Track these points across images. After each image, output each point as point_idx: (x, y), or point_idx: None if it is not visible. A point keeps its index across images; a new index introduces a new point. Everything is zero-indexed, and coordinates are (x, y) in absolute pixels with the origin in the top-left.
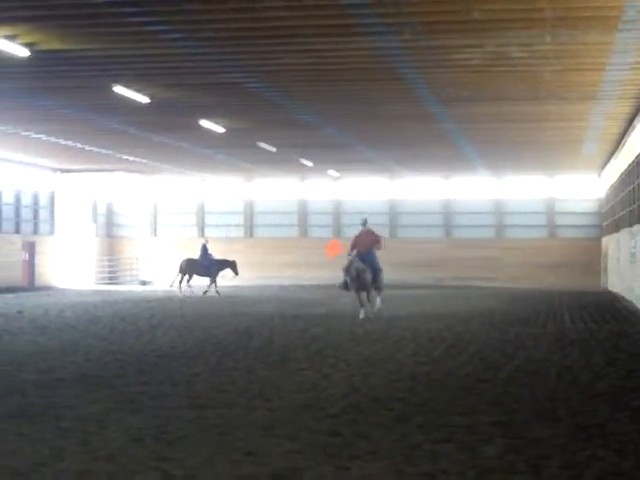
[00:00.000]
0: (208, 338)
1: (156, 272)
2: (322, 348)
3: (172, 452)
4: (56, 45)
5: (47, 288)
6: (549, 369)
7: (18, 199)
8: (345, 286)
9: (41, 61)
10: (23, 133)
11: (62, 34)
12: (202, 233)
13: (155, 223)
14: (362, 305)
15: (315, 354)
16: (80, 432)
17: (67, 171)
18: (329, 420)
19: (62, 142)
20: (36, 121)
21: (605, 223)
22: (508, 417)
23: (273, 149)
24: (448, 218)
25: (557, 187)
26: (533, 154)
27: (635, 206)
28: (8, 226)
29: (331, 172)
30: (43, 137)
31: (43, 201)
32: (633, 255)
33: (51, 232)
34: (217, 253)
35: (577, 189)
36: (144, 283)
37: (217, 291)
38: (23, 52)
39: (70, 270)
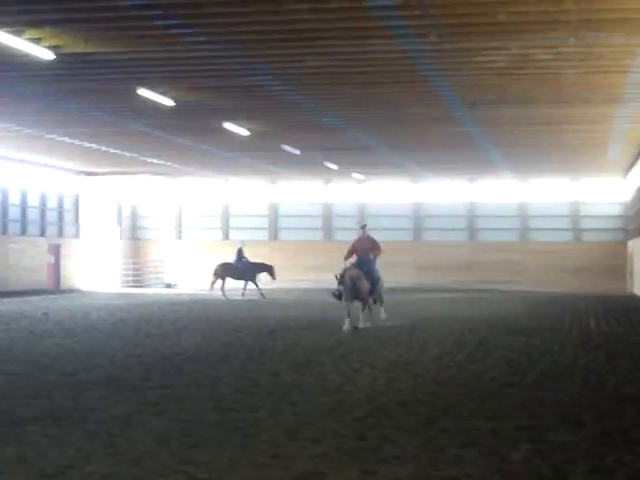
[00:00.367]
0: (233, 341)
1: (181, 275)
2: (347, 352)
3: (197, 455)
4: (81, 48)
5: (72, 291)
6: (575, 373)
7: (43, 202)
8: (338, 296)
9: (66, 64)
10: (47, 136)
11: (87, 37)
12: (226, 236)
13: (180, 226)
14: (348, 315)
15: (340, 357)
16: (106, 434)
17: (91, 174)
18: (354, 424)
19: (86, 145)
20: (61, 124)
21: (631, 226)
22: (533, 422)
23: (297, 152)
24: (472, 221)
25: (582, 190)
26: (557, 157)
27: None
28: (33, 229)
29: (356, 175)
30: (67, 140)
31: (68, 204)
32: None
33: (76, 235)
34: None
35: (602, 192)
36: (169, 286)
37: (262, 294)
38: (48, 55)
39: (95, 273)
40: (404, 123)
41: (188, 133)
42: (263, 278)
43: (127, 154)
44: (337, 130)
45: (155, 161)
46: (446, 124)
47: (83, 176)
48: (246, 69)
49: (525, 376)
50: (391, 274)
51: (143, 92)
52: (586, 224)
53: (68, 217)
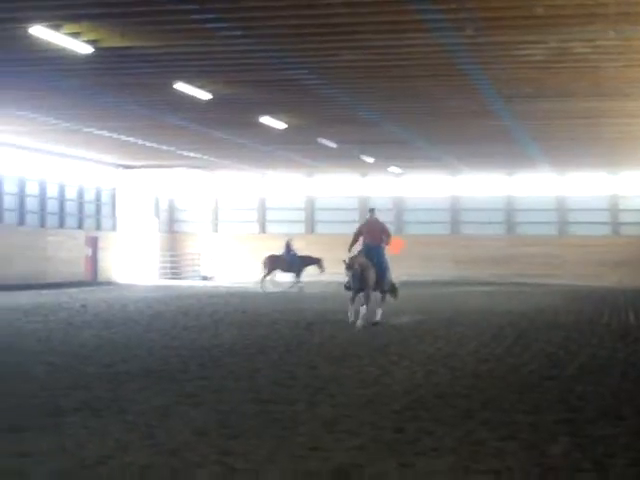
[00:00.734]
0: (270, 334)
1: (217, 268)
2: (384, 344)
3: (235, 446)
4: (118, 42)
5: (109, 283)
6: (614, 367)
7: (81, 195)
8: (349, 287)
9: (104, 58)
10: (85, 130)
11: (124, 31)
12: (263, 229)
13: (216, 219)
14: (352, 302)
15: (377, 350)
16: (144, 425)
17: (129, 167)
18: (392, 416)
19: (124, 138)
20: (98, 118)
21: None
22: (573, 415)
23: (334, 145)
24: (510, 215)
25: (620, 183)
26: (596, 151)
27: None
28: (71, 221)
29: (392, 169)
30: (105, 134)
31: (105, 197)
32: None
33: (113, 228)
34: (277, 249)
35: None
36: (205, 278)
37: (300, 287)
38: (86, 49)
39: (132, 265)
40: (441, 116)
41: (225, 127)
42: (312, 270)
43: (164, 147)
44: (373, 123)
45: (192, 154)
46: (483, 118)
47: (121, 169)
48: (282, 63)
49: (564, 369)
50: (428, 267)
51: (180, 86)
52: (625, 218)
53: (105, 210)
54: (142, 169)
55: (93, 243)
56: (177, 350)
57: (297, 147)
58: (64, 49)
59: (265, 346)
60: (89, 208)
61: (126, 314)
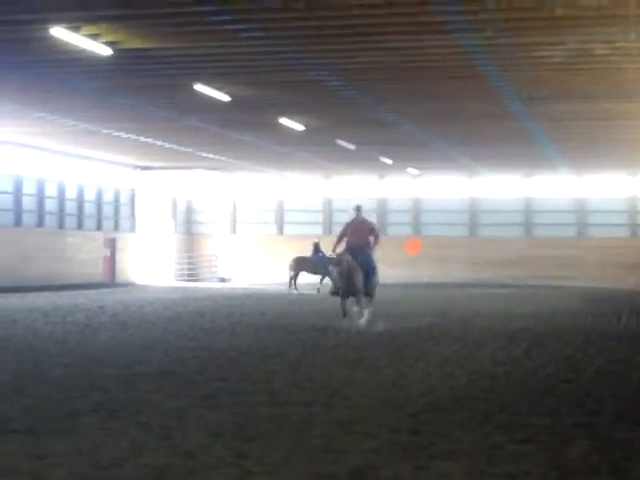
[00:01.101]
0: (287, 335)
1: (235, 269)
2: (401, 347)
3: (251, 449)
4: (138, 44)
5: (127, 284)
6: (632, 370)
7: (99, 196)
8: (336, 291)
9: (123, 60)
10: (104, 131)
11: (144, 33)
12: (281, 231)
13: (234, 220)
14: (345, 315)
15: (393, 353)
16: (160, 427)
17: (147, 168)
18: (408, 419)
19: (142, 140)
20: (117, 119)
21: None
22: (591, 418)
23: (352, 147)
24: (528, 217)
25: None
26: (615, 152)
27: None
28: (90, 223)
29: (410, 170)
30: (123, 135)
31: (124, 198)
32: None
33: (131, 229)
34: (295, 251)
35: None
36: (223, 280)
37: (318, 288)
38: (106, 51)
39: (150, 266)
40: (459, 118)
41: (243, 128)
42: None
43: (182, 149)
44: (392, 125)
45: (210, 156)
46: (502, 119)
47: (139, 170)
48: (301, 64)
49: (582, 372)
50: (445, 269)
51: (199, 87)
52: None
53: (124, 211)
54: (160, 170)
55: (111, 244)
56: (194, 352)
57: (315, 149)
58: (84, 51)
59: (282, 348)
60: (107, 209)
61: (143, 316)
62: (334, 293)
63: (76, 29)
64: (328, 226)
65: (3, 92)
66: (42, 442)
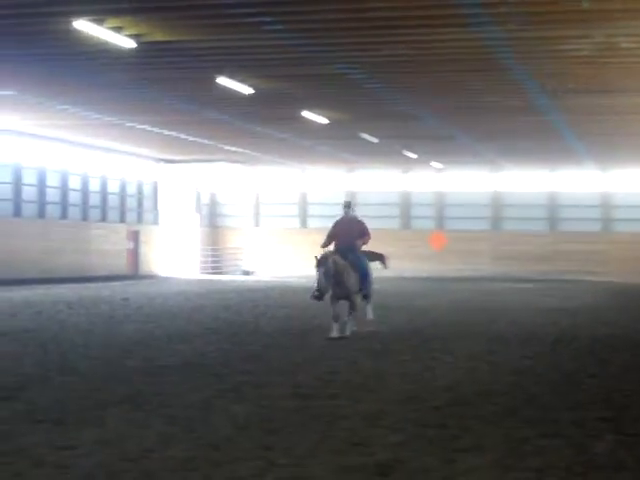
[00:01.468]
0: (312, 328)
1: (259, 262)
2: (426, 340)
3: (277, 441)
4: (160, 37)
5: (151, 277)
6: None
7: (123, 189)
8: (318, 294)
9: (146, 53)
10: (128, 124)
11: (167, 26)
12: (304, 224)
13: (258, 213)
14: (336, 320)
15: (419, 346)
16: (186, 419)
17: (170, 161)
18: (434, 412)
19: (165, 133)
20: (140, 112)
21: None
22: (617, 413)
23: (375, 140)
24: (553, 211)
25: None
26: None
27: None
28: (114, 215)
29: (434, 164)
30: (147, 127)
31: (147, 191)
32: None
33: (155, 221)
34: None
35: None
36: (247, 273)
37: None
38: (129, 44)
39: (173, 259)
40: (484, 112)
41: (266, 121)
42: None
43: (205, 142)
44: (415, 119)
45: (233, 149)
46: (527, 113)
47: (162, 163)
48: (324, 57)
49: (608, 367)
50: (469, 263)
51: (222, 80)
52: None
53: (147, 204)
54: (183, 163)
55: (135, 237)
56: (218, 344)
57: (338, 142)
58: (107, 43)
59: (306, 341)
60: (131, 202)
61: (167, 308)
62: (316, 297)
63: (99, 22)
64: None
65: (26, 85)
66: (69, 433)
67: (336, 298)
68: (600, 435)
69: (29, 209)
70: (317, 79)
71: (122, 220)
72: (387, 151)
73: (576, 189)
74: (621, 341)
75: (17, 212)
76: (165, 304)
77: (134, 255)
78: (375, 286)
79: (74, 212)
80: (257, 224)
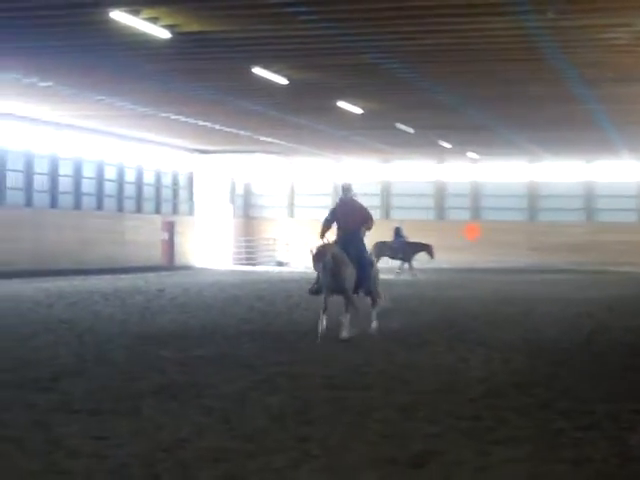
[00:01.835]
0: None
1: (293, 253)
2: (460, 332)
3: (311, 432)
4: (196, 27)
5: (186, 267)
6: None
7: (158, 179)
8: (316, 290)
9: (181, 43)
10: (162, 114)
11: (202, 16)
12: None
13: (292, 204)
14: (324, 311)
15: (453, 337)
16: (220, 410)
17: (205, 152)
18: (469, 404)
19: (200, 123)
20: (175, 103)
21: None
22: None
23: (411, 130)
24: (589, 201)
25: None
26: None
27: None
28: (149, 206)
29: (470, 154)
30: (182, 118)
31: (182, 182)
32: None
33: (190, 212)
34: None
35: None
36: (281, 264)
37: (414, 274)
38: (164, 34)
39: (208, 250)
40: (521, 101)
41: (301, 112)
42: (422, 257)
43: (241, 132)
44: (451, 108)
45: (268, 139)
46: (565, 102)
47: (197, 154)
48: (360, 47)
49: None
50: (505, 254)
51: (257, 71)
52: None
53: (182, 195)
54: (218, 154)
55: (170, 227)
56: (252, 335)
57: (374, 132)
58: (143, 34)
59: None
60: (166, 193)
61: (201, 298)
62: (314, 292)
63: (135, 12)
64: (386, 210)
65: (63, 76)
66: (104, 423)
67: (330, 291)
68: (635, 427)
69: (65, 200)
70: (353, 69)
71: (157, 211)
72: (422, 141)
73: (613, 179)
74: None
75: (53, 203)
76: (200, 295)
77: (169, 246)
78: (408, 277)
79: (109, 203)
80: (291, 215)
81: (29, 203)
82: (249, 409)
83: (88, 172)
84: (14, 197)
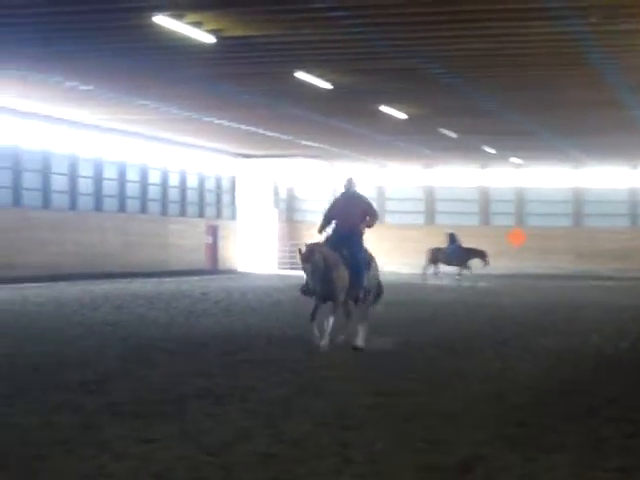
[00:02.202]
0: (390, 324)
1: None
2: (507, 338)
3: (355, 438)
4: (240, 32)
5: (230, 272)
6: None
7: (201, 183)
8: (307, 291)
9: (226, 48)
10: (205, 119)
11: (246, 21)
12: (381, 219)
13: None
14: (313, 318)
15: (500, 344)
16: (265, 414)
17: (248, 156)
18: (515, 411)
19: (243, 128)
20: (218, 107)
21: None
22: None
23: (454, 135)
24: (635, 207)
25: None
26: None
27: None
28: (193, 210)
29: (514, 160)
30: (225, 123)
31: (225, 186)
32: None
33: (233, 216)
34: (394, 239)
35: None
36: None
37: (474, 281)
38: (209, 39)
39: (252, 254)
40: (565, 107)
41: (344, 116)
42: (477, 264)
43: (284, 137)
44: (495, 114)
45: (311, 144)
46: (609, 108)
47: (240, 158)
48: (403, 52)
49: None
50: (549, 260)
51: (300, 75)
52: None
53: (225, 199)
54: (261, 158)
55: (213, 231)
56: (296, 340)
57: (417, 137)
58: (187, 39)
59: (384, 338)
60: (209, 197)
61: (245, 302)
62: (304, 292)
63: (179, 17)
64: (430, 215)
65: (106, 80)
66: (150, 426)
67: (321, 299)
68: None
69: (110, 203)
70: (396, 74)
71: (201, 215)
72: (466, 147)
73: None
74: None
75: (98, 206)
76: (243, 299)
77: (213, 250)
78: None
79: (153, 207)
80: None
81: (73, 206)
82: (294, 414)
83: (132, 176)
84: (59, 200)
